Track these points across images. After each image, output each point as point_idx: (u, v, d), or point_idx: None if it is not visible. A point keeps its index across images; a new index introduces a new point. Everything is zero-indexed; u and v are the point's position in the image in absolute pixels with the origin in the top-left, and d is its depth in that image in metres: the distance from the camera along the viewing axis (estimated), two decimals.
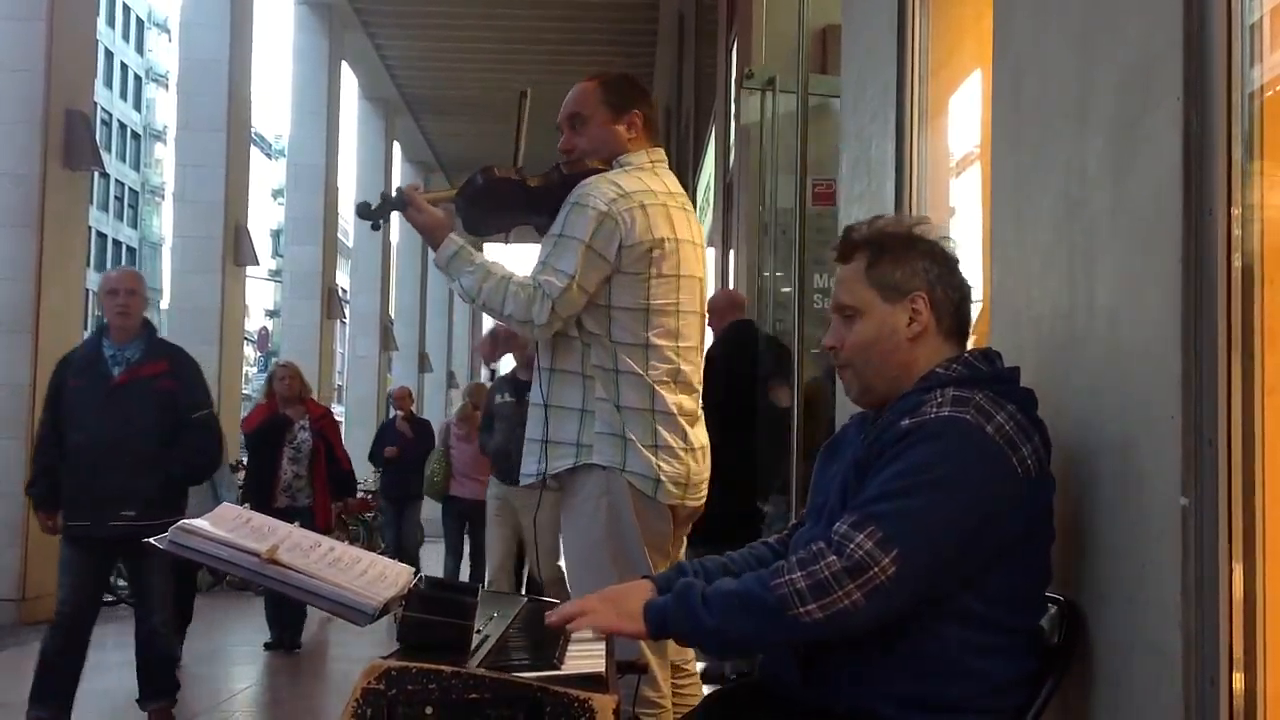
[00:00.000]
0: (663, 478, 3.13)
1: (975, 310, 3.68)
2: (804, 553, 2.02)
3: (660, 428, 3.14)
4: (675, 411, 3.18)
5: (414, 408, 13.47)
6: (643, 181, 3.24)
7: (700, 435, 3.28)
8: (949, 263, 2.26)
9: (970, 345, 2.31)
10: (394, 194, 3.24)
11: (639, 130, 3.34)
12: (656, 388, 3.15)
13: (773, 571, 2.03)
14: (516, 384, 7.50)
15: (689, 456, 3.20)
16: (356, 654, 8.18)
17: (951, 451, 2.03)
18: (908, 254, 2.23)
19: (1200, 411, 1.86)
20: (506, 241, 3.73)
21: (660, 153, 3.40)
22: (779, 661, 2.24)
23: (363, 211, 3.35)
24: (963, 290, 2.26)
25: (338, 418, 12.81)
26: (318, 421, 8.59)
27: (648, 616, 2.09)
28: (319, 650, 8.77)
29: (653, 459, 3.12)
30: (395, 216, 3.41)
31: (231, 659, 8.14)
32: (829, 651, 2.11)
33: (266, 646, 8.34)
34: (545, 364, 3.24)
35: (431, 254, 3.28)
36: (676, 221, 3.24)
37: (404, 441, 11.77)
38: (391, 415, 12.86)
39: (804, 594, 1.97)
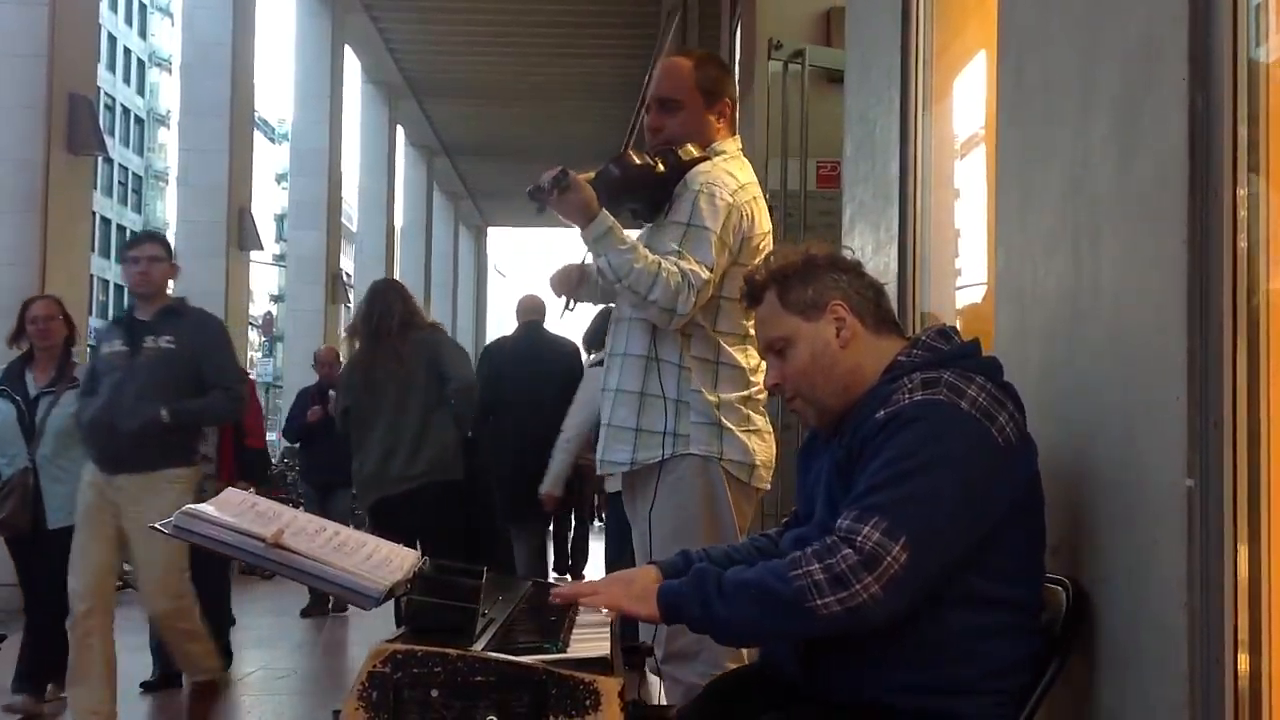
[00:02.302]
0: (757, 462, 3.19)
1: (980, 293, 3.69)
2: (819, 545, 2.02)
3: (753, 413, 3.20)
4: (764, 398, 3.22)
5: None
6: (746, 173, 3.28)
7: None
8: (853, 266, 2.32)
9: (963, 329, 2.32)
10: (562, 173, 3.12)
11: (727, 119, 3.35)
12: (752, 377, 3.19)
13: (789, 563, 2.02)
14: (132, 329, 5.24)
15: (771, 440, 3.27)
16: (362, 636, 8.21)
17: (932, 433, 2.05)
18: (812, 272, 2.28)
19: (1205, 393, 1.86)
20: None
21: (739, 140, 3.40)
22: (779, 651, 2.24)
23: (535, 194, 3.17)
24: (875, 286, 2.32)
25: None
26: None
27: (661, 600, 2.09)
28: (325, 634, 8.79)
29: (748, 443, 3.16)
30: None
31: (238, 643, 8.13)
32: (830, 641, 2.11)
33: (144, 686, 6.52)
34: (642, 352, 3.21)
35: (580, 231, 3.17)
36: (768, 215, 3.31)
37: (328, 417, 8.52)
38: (315, 381, 10.08)
39: (822, 586, 1.97)
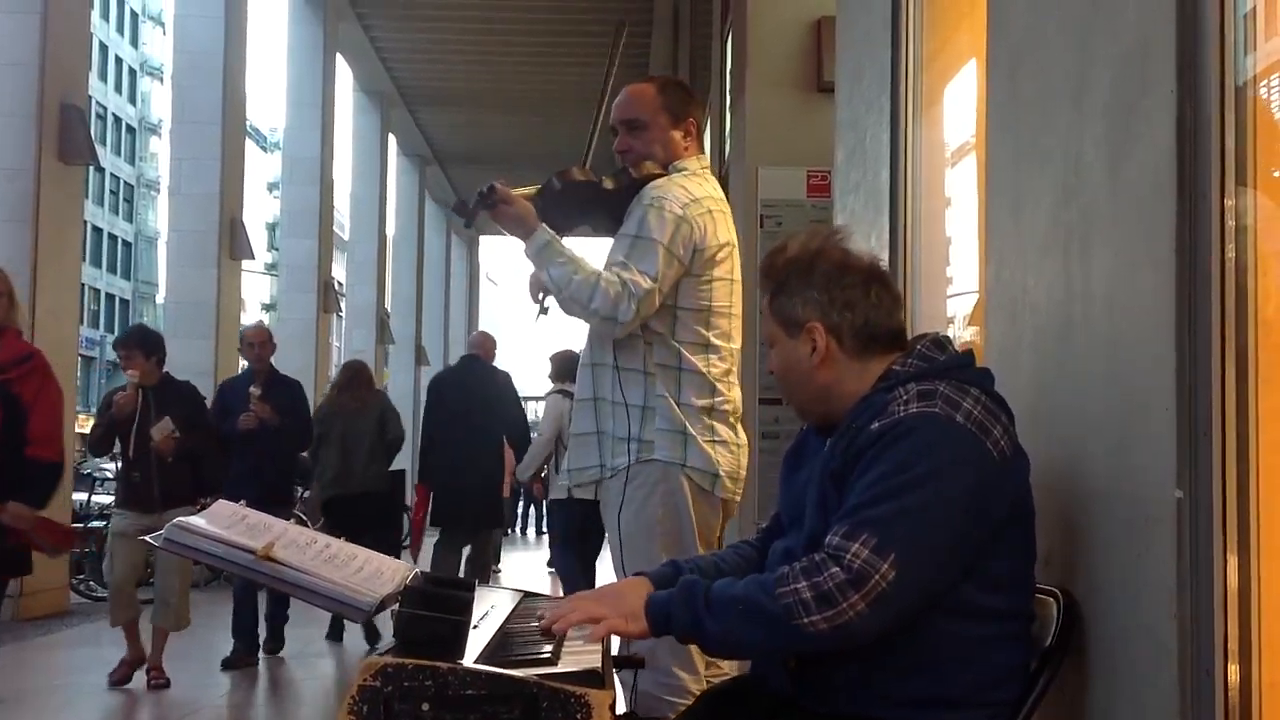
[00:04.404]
0: (720, 472, 3.23)
1: (971, 301, 3.69)
2: (806, 562, 2.01)
3: (717, 423, 3.25)
4: (730, 409, 3.29)
5: (275, 361, 8.29)
6: (704, 188, 3.34)
7: (743, 433, 3.37)
8: (845, 284, 2.24)
9: (968, 335, 2.32)
10: (489, 190, 3.28)
11: (693, 138, 3.44)
12: (716, 385, 3.25)
13: (777, 579, 2.02)
14: None
15: (740, 452, 3.31)
16: (356, 648, 8.19)
17: (927, 447, 2.03)
18: (802, 285, 2.25)
19: (1194, 403, 1.86)
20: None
21: (706, 159, 3.51)
22: (770, 664, 2.23)
23: (460, 210, 3.41)
24: (869, 308, 2.23)
25: None
26: (9, 370, 4.67)
27: (650, 614, 2.09)
28: (315, 647, 8.77)
29: (712, 454, 3.22)
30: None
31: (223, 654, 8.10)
32: (822, 655, 2.10)
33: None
34: (604, 360, 3.30)
35: (521, 245, 3.30)
36: (731, 227, 3.38)
37: (259, 414, 7.59)
38: (240, 372, 8.63)
39: (809, 604, 1.97)
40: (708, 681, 3.17)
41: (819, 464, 2.22)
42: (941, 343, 2.25)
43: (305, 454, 8.78)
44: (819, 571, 1.98)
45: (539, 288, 3.39)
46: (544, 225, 3.27)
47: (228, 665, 7.41)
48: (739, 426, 3.35)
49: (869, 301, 2.24)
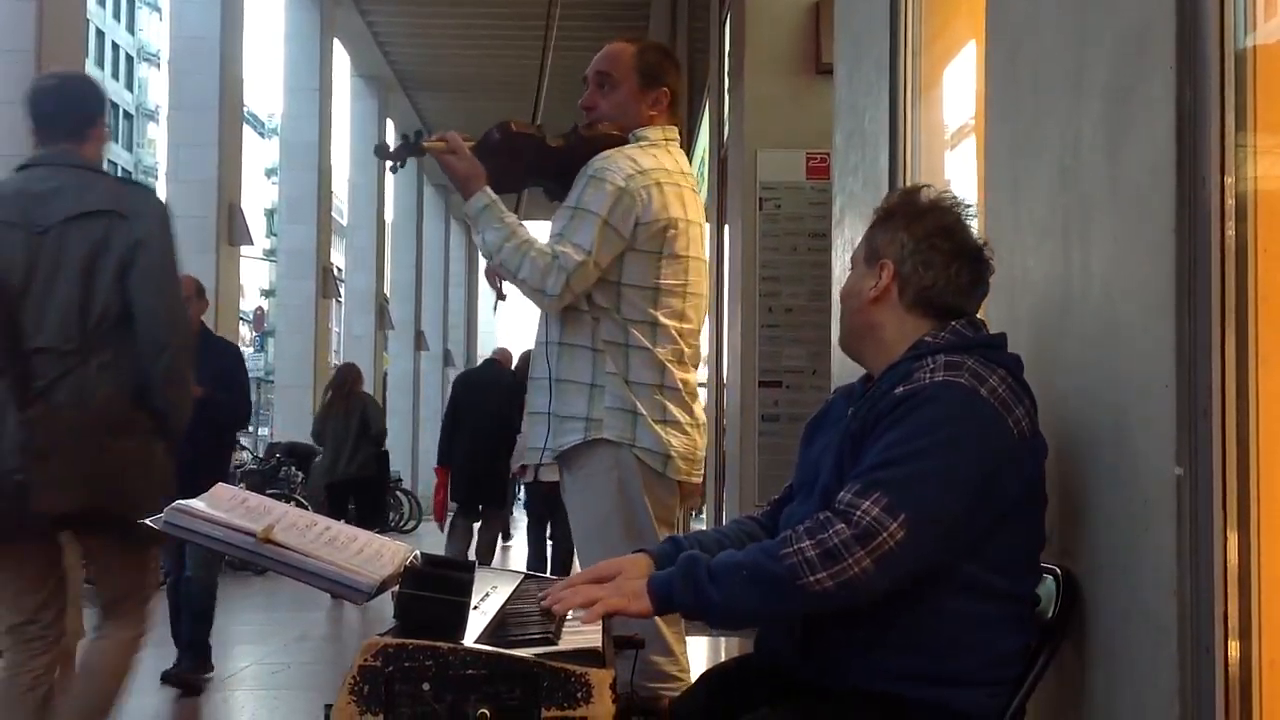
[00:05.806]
0: (672, 453, 3.16)
1: None
2: (811, 522, 2.01)
3: (668, 402, 3.17)
4: (681, 387, 3.20)
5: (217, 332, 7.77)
6: (657, 159, 3.24)
7: (700, 411, 3.28)
8: (935, 245, 2.25)
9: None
10: (415, 135, 3.13)
11: (663, 108, 3.35)
12: (665, 364, 3.16)
13: (780, 542, 2.02)
14: None
15: (695, 431, 3.22)
16: (360, 630, 8.20)
17: (949, 415, 2.04)
18: (900, 227, 2.28)
19: (1194, 381, 1.86)
20: (519, 204, 3.72)
21: (674, 131, 3.40)
22: (777, 639, 2.24)
23: (380, 152, 3.28)
24: (943, 278, 2.24)
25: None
26: None
27: (652, 592, 2.07)
28: (317, 629, 8.79)
29: (662, 434, 3.14)
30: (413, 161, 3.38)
31: (231, 638, 8.13)
32: (828, 629, 2.11)
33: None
34: (553, 337, 3.23)
35: (463, 204, 3.22)
36: (687, 202, 3.27)
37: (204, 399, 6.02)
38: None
39: (814, 563, 1.96)
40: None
41: (840, 428, 2.23)
42: (976, 323, 2.26)
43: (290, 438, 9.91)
44: (824, 529, 1.98)
45: (496, 275, 3.33)
46: (488, 189, 3.17)
47: (170, 680, 6.41)
48: (696, 405, 3.25)
49: (946, 272, 2.25)
